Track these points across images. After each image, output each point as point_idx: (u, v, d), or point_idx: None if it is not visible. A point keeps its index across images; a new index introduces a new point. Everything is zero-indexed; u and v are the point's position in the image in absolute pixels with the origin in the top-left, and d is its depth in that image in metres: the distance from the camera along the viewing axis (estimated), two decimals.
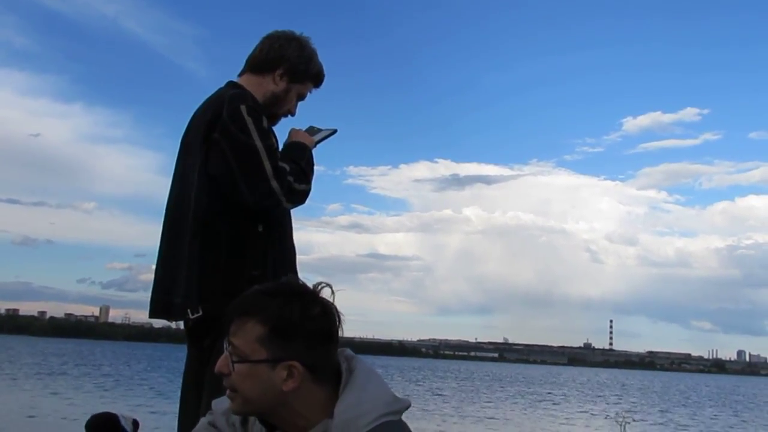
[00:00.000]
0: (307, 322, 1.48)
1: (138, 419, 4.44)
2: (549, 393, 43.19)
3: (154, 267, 2.78)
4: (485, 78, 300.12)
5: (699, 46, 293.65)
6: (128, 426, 4.22)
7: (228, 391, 1.52)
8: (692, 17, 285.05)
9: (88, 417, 4.29)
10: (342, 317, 1.55)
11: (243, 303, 1.53)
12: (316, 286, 1.55)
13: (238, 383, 1.49)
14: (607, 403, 35.38)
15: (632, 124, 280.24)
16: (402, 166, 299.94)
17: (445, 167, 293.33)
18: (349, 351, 1.59)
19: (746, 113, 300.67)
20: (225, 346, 1.52)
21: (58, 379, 29.64)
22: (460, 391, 39.95)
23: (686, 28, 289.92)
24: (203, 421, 1.71)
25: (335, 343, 1.55)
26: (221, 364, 1.51)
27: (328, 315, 1.52)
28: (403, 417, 1.55)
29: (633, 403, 37.08)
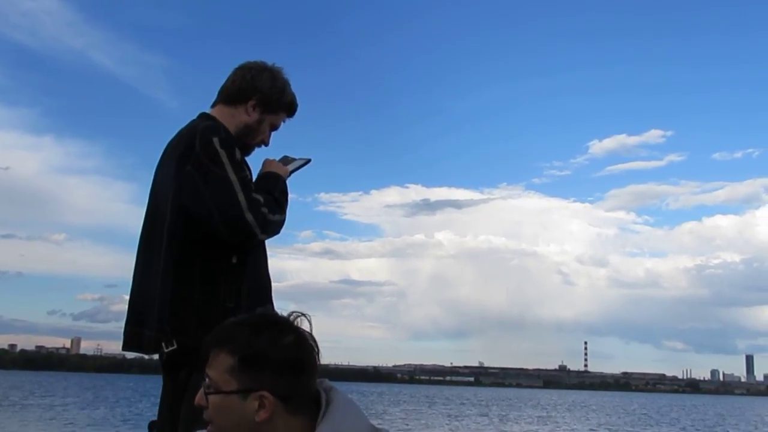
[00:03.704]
0: (276, 351, 1.48)
1: None
2: (527, 416, 43.23)
3: (127, 298, 2.74)
4: (453, 103, 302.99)
5: (661, 67, 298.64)
6: None
7: (209, 426, 1.52)
8: (653, 39, 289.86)
9: None
10: (318, 347, 1.54)
11: (216, 334, 1.53)
12: (290, 315, 1.54)
13: (213, 415, 1.49)
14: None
15: (598, 147, 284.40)
16: (373, 191, 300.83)
17: (415, 192, 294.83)
18: (327, 382, 1.59)
19: (709, 134, 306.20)
20: (204, 378, 1.53)
21: (23, 410, 29.23)
22: (439, 415, 39.76)
23: (648, 50, 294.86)
24: None
25: (310, 373, 1.53)
26: (199, 396, 1.52)
27: (301, 344, 1.51)
28: None
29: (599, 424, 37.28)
